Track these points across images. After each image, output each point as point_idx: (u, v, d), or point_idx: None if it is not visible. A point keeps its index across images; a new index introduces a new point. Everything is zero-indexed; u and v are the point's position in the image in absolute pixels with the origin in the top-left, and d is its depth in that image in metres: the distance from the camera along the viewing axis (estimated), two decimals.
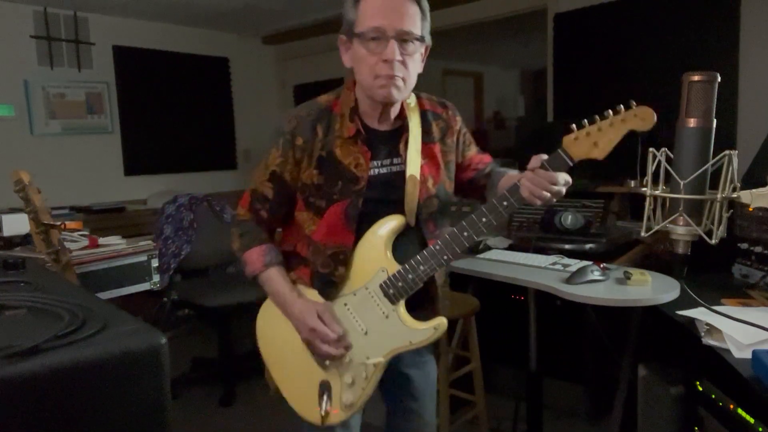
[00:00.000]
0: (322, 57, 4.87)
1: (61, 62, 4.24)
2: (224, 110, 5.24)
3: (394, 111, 1.39)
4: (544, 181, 1.23)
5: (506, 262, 2.16)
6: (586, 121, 1.22)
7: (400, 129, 1.41)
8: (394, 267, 1.36)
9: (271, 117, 5.38)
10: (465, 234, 1.31)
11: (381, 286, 1.36)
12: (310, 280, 1.43)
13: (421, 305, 1.44)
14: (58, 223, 1.93)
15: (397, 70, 1.28)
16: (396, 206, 1.39)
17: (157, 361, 0.83)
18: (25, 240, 2.34)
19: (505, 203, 1.28)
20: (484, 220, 1.29)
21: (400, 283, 1.35)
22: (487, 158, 1.59)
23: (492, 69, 4.75)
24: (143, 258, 2.45)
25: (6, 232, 2.35)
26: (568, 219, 2.37)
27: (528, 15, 3.92)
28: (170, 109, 4.84)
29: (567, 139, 1.24)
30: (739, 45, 2.94)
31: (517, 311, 2.50)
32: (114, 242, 2.50)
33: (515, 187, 1.28)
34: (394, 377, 1.58)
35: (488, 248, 2.36)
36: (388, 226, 1.38)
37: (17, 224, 2.34)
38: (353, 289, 1.40)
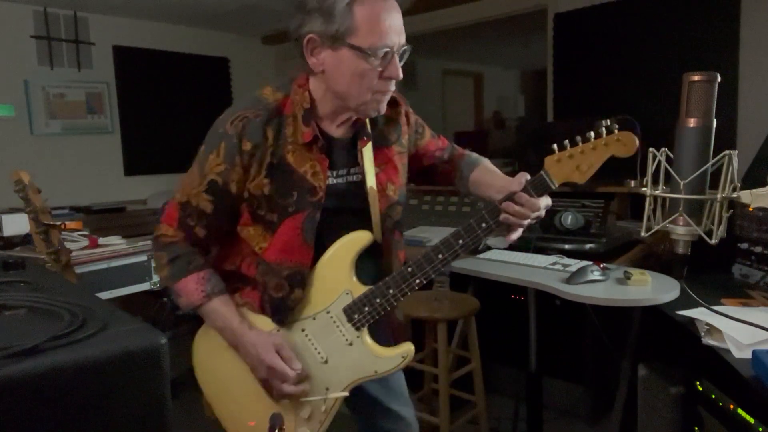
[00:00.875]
0: None
1: (61, 62, 4.24)
2: (224, 110, 5.23)
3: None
4: (527, 211, 1.19)
5: (506, 262, 2.16)
6: (567, 142, 1.20)
7: (356, 136, 1.28)
8: (359, 289, 1.24)
9: None
10: (440, 256, 1.22)
11: (345, 310, 1.24)
12: (259, 304, 1.27)
13: (377, 321, 1.31)
14: (58, 223, 1.94)
15: (393, 84, 1.21)
16: (358, 216, 1.27)
17: (157, 361, 0.83)
18: (25, 240, 2.35)
19: (483, 225, 1.21)
20: (461, 242, 1.21)
21: (366, 308, 1.23)
22: (443, 143, 1.49)
23: (492, 69, 4.74)
24: (143, 258, 2.45)
25: (6, 232, 2.36)
26: (568, 219, 2.37)
27: (528, 15, 3.92)
28: (170, 109, 4.84)
29: (549, 160, 1.19)
30: (739, 45, 2.94)
31: (517, 311, 2.50)
32: (114, 242, 2.50)
33: (495, 210, 1.21)
34: (361, 399, 1.44)
35: (488, 248, 2.36)
36: (353, 243, 1.25)
37: (17, 224, 2.35)
38: (312, 312, 1.26)
